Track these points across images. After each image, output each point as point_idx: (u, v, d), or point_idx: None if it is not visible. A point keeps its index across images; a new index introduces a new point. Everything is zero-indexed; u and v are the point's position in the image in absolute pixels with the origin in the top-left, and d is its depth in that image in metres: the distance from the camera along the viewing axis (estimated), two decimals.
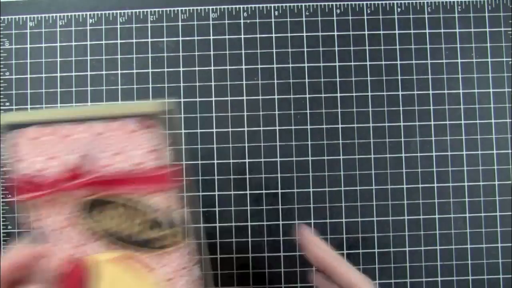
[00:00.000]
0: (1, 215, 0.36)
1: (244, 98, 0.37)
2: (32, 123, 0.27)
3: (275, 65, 0.37)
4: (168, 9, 0.37)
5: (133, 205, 0.27)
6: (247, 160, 0.36)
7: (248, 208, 0.36)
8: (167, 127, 0.27)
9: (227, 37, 0.37)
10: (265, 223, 0.36)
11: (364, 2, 0.37)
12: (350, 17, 0.37)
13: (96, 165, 0.27)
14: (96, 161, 0.27)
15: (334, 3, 0.37)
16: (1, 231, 0.36)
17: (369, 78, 0.37)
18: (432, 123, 0.37)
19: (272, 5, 0.37)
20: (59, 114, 0.27)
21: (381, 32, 0.37)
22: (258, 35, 0.37)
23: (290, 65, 0.37)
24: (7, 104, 0.37)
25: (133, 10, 0.37)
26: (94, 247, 0.28)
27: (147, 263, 0.28)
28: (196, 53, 0.37)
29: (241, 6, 0.37)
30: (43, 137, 0.27)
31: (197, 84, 0.37)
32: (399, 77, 0.37)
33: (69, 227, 0.27)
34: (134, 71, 0.37)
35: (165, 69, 0.37)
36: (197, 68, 0.37)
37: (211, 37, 0.37)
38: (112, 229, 0.27)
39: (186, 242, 0.28)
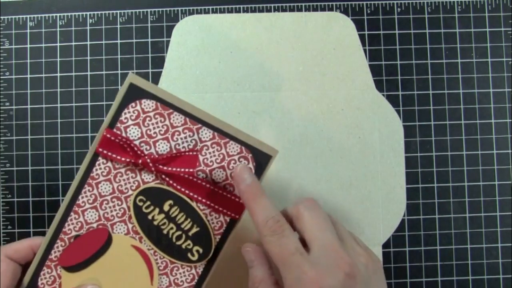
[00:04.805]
0: (1, 215, 0.36)
1: None
2: (155, 97, 0.28)
3: None
4: (168, 9, 0.37)
5: (187, 211, 0.28)
6: None
7: None
8: (266, 169, 0.28)
9: None
10: None
11: (364, 2, 0.37)
12: (350, 17, 0.37)
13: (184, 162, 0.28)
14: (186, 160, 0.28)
15: (334, 3, 0.37)
16: (1, 231, 0.36)
17: None
18: (432, 123, 0.37)
19: (272, 5, 0.37)
20: (186, 106, 0.28)
21: (381, 32, 0.37)
22: None
23: None
24: (7, 104, 0.37)
25: (133, 10, 0.37)
26: (123, 227, 0.28)
27: (160, 266, 0.28)
28: None
29: (241, 6, 0.37)
30: (154, 113, 0.28)
31: None
32: (399, 77, 0.37)
33: (119, 201, 0.28)
34: (134, 71, 0.37)
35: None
36: None
37: None
38: (156, 221, 0.28)
39: (201, 266, 0.28)
